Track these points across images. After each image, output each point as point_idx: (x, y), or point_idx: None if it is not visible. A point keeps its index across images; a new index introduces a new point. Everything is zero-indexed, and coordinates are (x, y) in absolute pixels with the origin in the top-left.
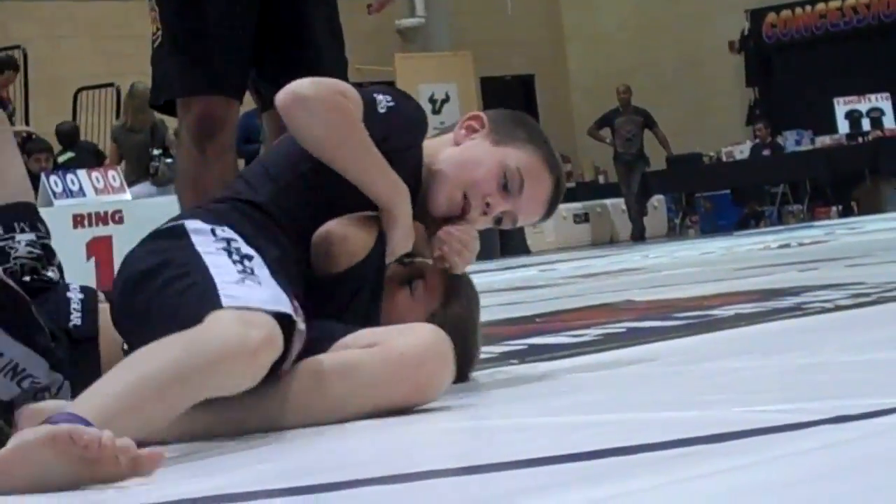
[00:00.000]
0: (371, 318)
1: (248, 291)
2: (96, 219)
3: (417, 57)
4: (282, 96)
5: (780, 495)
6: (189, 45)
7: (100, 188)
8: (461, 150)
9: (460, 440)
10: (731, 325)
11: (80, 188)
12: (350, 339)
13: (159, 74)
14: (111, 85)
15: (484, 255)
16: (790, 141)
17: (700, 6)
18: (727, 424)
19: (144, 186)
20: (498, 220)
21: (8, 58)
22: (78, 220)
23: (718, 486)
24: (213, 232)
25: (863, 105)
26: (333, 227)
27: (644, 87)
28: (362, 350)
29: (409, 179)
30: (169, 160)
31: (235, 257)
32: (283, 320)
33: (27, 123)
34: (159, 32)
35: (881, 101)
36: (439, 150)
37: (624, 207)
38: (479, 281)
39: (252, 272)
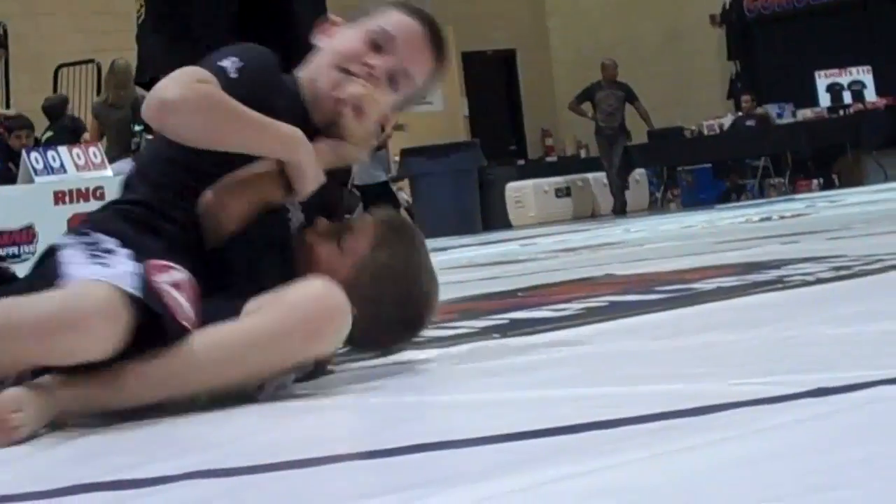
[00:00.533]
0: (288, 279)
1: (89, 270)
2: (77, 195)
3: None
4: (147, 108)
5: (762, 468)
6: (172, 22)
7: (81, 165)
8: (323, 47)
9: (437, 415)
10: (712, 299)
11: (62, 165)
12: (248, 306)
13: (144, 51)
14: (91, 61)
15: (465, 229)
16: (772, 114)
17: None
18: (709, 397)
19: (126, 163)
20: (394, 83)
21: None
22: (59, 197)
23: (701, 459)
24: (79, 241)
25: (844, 78)
26: (208, 197)
27: (625, 61)
28: (255, 312)
29: (294, 116)
30: (150, 136)
31: (91, 251)
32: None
33: (7, 100)
34: (143, 9)
35: (862, 73)
36: (310, 64)
37: (605, 181)
38: (459, 256)
39: (102, 257)
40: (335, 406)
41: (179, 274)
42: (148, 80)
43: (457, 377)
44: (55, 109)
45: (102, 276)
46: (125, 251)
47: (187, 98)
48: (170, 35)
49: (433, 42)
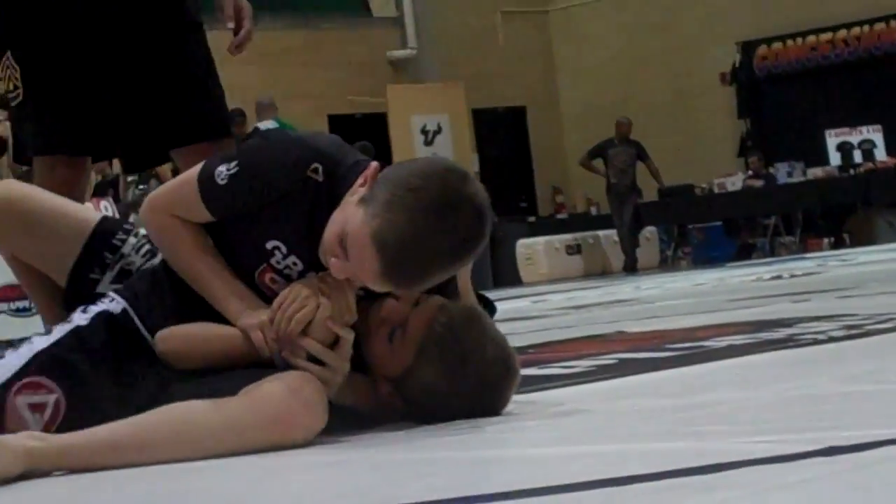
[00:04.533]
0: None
1: None
2: None
3: (409, 88)
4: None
5: None
6: (52, 106)
7: None
8: (341, 206)
9: (446, 471)
10: (723, 357)
11: None
12: (246, 389)
13: (23, 134)
14: None
15: (476, 285)
16: (782, 173)
17: (691, 38)
18: (719, 455)
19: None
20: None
21: None
22: None
23: None
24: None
25: (854, 137)
26: (163, 343)
27: (636, 118)
28: (235, 396)
29: (326, 213)
30: (141, 187)
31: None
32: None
33: None
34: (19, 91)
35: (872, 133)
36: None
37: (616, 239)
38: None
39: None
40: (345, 462)
41: (49, 396)
42: (29, 159)
43: (464, 432)
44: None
45: None
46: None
47: (155, 230)
48: (50, 119)
49: (382, 274)
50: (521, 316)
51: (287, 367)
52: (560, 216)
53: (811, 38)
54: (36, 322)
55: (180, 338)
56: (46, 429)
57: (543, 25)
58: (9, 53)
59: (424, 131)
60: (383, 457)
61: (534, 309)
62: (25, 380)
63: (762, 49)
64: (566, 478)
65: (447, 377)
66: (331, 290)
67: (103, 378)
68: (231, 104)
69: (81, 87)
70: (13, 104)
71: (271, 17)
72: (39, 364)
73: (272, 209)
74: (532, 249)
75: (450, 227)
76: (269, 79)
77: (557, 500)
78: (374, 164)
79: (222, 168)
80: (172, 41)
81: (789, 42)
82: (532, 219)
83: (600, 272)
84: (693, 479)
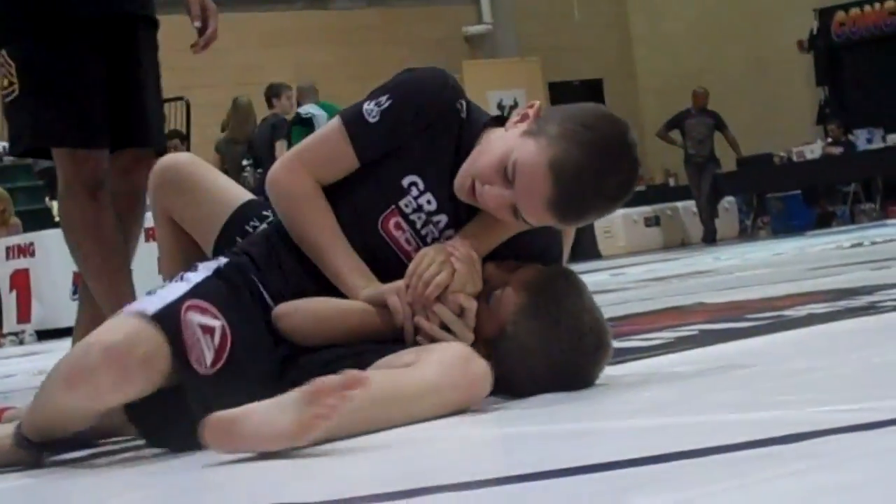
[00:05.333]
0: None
1: (136, 305)
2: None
3: (485, 63)
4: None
5: (855, 495)
6: (71, 100)
7: None
8: (492, 138)
9: (533, 445)
10: (803, 325)
11: None
12: (386, 360)
13: (18, 124)
14: (181, 98)
15: (555, 259)
16: (861, 139)
17: (768, 6)
18: (802, 425)
19: None
20: (515, 211)
21: None
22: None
23: (794, 486)
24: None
25: None
26: (286, 318)
27: (712, 88)
28: (415, 365)
29: (465, 154)
30: (260, 170)
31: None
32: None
33: None
34: (15, 87)
35: None
36: (493, 135)
37: (695, 210)
38: None
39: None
40: (435, 438)
41: (216, 321)
42: (22, 151)
43: (549, 407)
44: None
45: (129, 309)
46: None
47: (277, 185)
48: (73, 111)
49: (554, 203)
50: (600, 289)
51: (413, 339)
52: (638, 188)
53: (889, 3)
54: None
55: (303, 314)
56: (218, 356)
57: None
58: (3, 51)
59: (501, 106)
60: (475, 431)
61: (613, 282)
62: (192, 301)
63: (839, 15)
64: (649, 450)
65: (541, 337)
66: (459, 260)
67: (254, 320)
68: (306, 82)
69: (77, 82)
70: (7, 100)
71: None
72: (203, 291)
73: (417, 141)
74: (610, 222)
75: (618, 167)
76: (345, 57)
77: (639, 472)
78: (536, 102)
79: (370, 106)
80: (155, 41)
81: (867, 7)
82: None
83: (679, 244)
84: (775, 449)
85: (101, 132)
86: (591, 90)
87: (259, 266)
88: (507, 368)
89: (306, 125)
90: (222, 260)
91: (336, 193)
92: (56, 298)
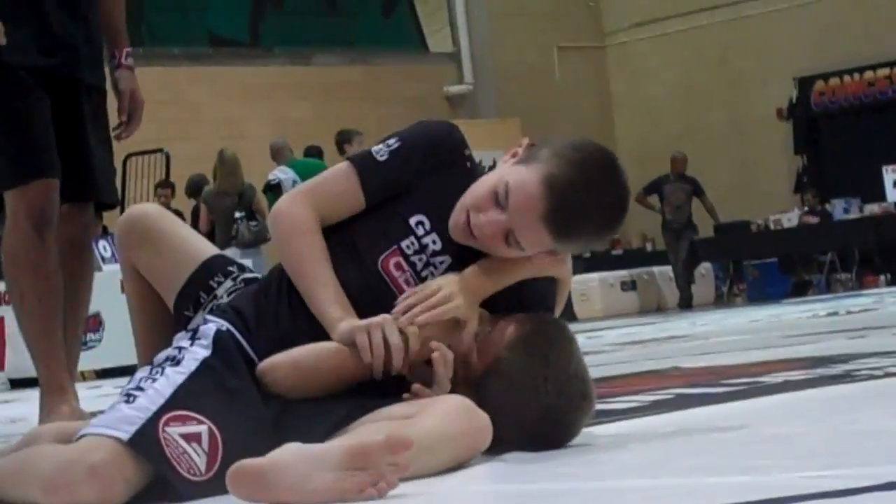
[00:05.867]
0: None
1: (104, 418)
2: None
3: (466, 123)
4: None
5: None
6: (14, 136)
7: None
8: (485, 175)
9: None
10: (779, 391)
11: None
12: (385, 411)
13: None
14: (160, 150)
15: (548, 310)
16: (838, 209)
17: (748, 73)
18: (776, 490)
19: (230, 250)
20: (509, 238)
21: None
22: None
23: None
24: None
25: None
26: (272, 373)
27: (692, 153)
28: (420, 415)
29: (451, 195)
30: (253, 223)
31: (148, 373)
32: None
33: None
34: None
35: None
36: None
37: (671, 275)
38: None
39: (134, 393)
40: (417, 494)
41: (200, 426)
42: None
43: (527, 465)
44: (195, 188)
45: (105, 426)
46: (187, 361)
47: (281, 214)
48: (14, 148)
49: (548, 216)
50: None
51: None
52: (615, 252)
53: (868, 74)
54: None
55: (289, 365)
56: (212, 459)
57: (600, 61)
58: None
59: (480, 167)
60: (466, 488)
61: (589, 345)
62: (170, 414)
63: (819, 84)
64: None
65: (529, 375)
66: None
67: (244, 402)
68: (286, 138)
69: (33, 117)
70: None
71: (328, 52)
72: (181, 399)
73: (425, 181)
74: (587, 286)
75: (610, 182)
76: (325, 114)
77: None
78: (526, 139)
79: (379, 147)
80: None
81: (847, 77)
82: (587, 255)
83: (655, 308)
84: None
85: (46, 164)
86: None
87: (249, 327)
88: (494, 407)
89: (275, 191)
90: (210, 327)
91: (340, 229)
92: None
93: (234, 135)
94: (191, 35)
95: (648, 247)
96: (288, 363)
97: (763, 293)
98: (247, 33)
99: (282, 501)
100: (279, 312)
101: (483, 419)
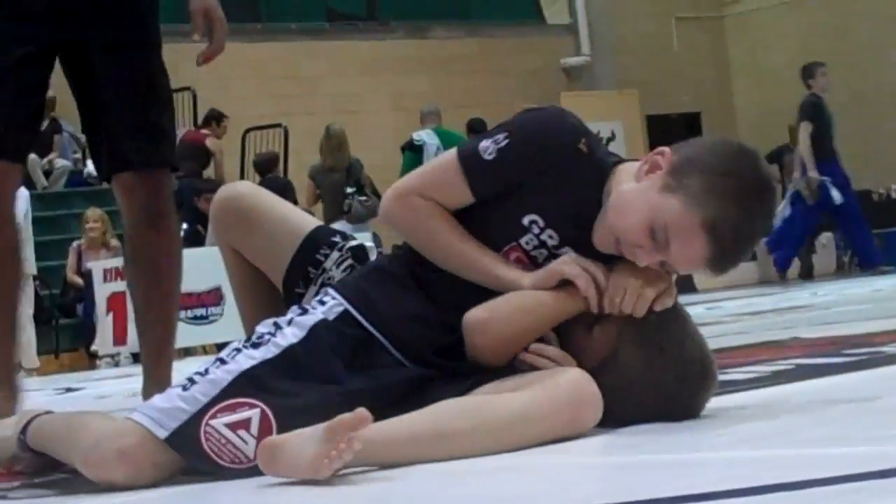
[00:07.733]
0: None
1: (149, 407)
2: None
3: (583, 95)
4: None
5: None
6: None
7: None
8: (626, 192)
9: (629, 474)
10: None
11: None
12: (505, 383)
13: None
14: (279, 125)
15: None
16: None
17: (868, 41)
18: None
19: (340, 224)
20: (663, 264)
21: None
22: None
23: None
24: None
25: None
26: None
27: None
28: (520, 390)
29: (589, 189)
30: (363, 198)
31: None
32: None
33: None
34: None
35: None
36: (623, 178)
37: None
38: None
39: (192, 382)
40: (538, 466)
41: (251, 411)
42: None
43: (643, 436)
44: (264, 165)
45: (149, 416)
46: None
47: (394, 209)
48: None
49: (712, 260)
50: (696, 323)
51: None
52: None
53: None
54: (212, 330)
55: (501, 320)
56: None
57: (718, 30)
58: None
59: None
60: (577, 460)
61: (709, 315)
62: (219, 405)
63: None
64: (742, 482)
65: (645, 364)
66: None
67: (320, 390)
68: (401, 113)
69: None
70: None
71: (445, 25)
72: (239, 387)
73: (537, 181)
74: None
75: (767, 208)
76: (441, 87)
77: (744, 502)
78: (665, 149)
79: (488, 144)
80: (136, 59)
81: None
82: None
83: (776, 279)
84: (871, 484)
85: (4, 143)
86: (689, 123)
87: (369, 301)
88: (613, 397)
89: (417, 151)
90: (309, 319)
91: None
92: None
93: (352, 109)
94: (308, 10)
95: None
96: (498, 318)
97: (887, 262)
98: (364, 7)
99: (286, 475)
100: (433, 277)
101: (590, 397)
